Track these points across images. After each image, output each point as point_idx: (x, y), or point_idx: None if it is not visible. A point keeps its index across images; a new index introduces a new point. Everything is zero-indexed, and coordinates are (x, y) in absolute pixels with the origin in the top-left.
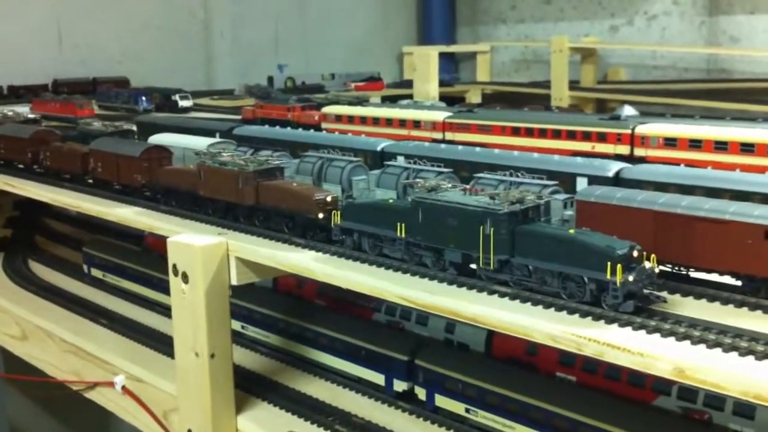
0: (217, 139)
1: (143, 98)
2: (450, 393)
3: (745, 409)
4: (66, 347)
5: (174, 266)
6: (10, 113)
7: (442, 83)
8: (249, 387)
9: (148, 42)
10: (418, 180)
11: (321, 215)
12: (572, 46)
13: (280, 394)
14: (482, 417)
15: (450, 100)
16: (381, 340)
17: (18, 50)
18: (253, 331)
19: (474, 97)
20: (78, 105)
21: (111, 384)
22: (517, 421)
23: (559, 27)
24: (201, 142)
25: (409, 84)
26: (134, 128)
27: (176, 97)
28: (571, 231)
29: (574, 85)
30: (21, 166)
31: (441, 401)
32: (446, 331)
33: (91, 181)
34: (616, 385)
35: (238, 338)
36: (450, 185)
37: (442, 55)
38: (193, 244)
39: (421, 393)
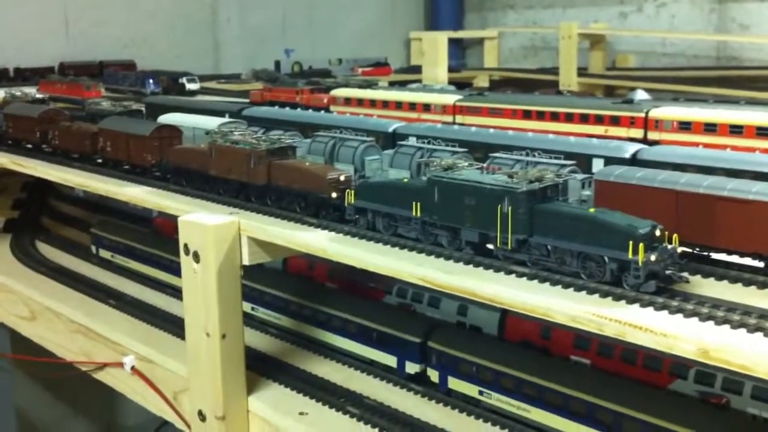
0: (228, 119)
1: (150, 81)
2: (463, 375)
3: (763, 393)
4: (75, 328)
5: (185, 245)
6: (18, 93)
7: (449, 69)
8: (260, 368)
9: (156, 27)
10: (434, 159)
11: (334, 194)
12: (581, 33)
13: (292, 375)
14: (496, 399)
15: (457, 86)
16: (393, 322)
17: (25, 34)
18: (263, 313)
19: (481, 82)
20: (85, 86)
21: (120, 365)
22: (532, 404)
23: (568, 13)
24: (211, 122)
25: (416, 69)
26: (143, 109)
27: (183, 80)
28: (591, 210)
29: (582, 71)
30: (29, 145)
31: (454, 383)
32: (458, 314)
33: (100, 160)
34: (631, 368)
35: (248, 320)
36: (466, 164)
37: (449, 41)
38: (205, 223)
39: (433, 375)
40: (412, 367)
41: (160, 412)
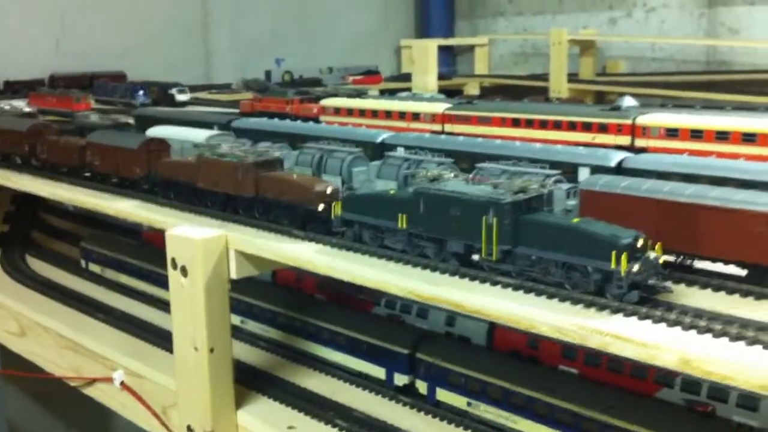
0: (216, 132)
1: (140, 92)
2: (451, 386)
3: (749, 401)
4: (64, 343)
5: (173, 260)
6: (8, 107)
7: (440, 76)
8: (249, 382)
9: (147, 37)
10: (419, 170)
11: (321, 206)
12: (571, 39)
13: (281, 388)
14: (484, 411)
15: (448, 93)
16: (381, 334)
17: (15, 45)
18: (252, 326)
19: (472, 89)
20: (75, 99)
21: (109, 380)
22: (520, 415)
23: (558, 19)
24: (200, 135)
25: (407, 77)
26: (132, 121)
27: (173, 91)
28: (575, 220)
29: (572, 77)
30: (18, 159)
31: (442, 395)
32: (447, 325)
33: (88, 174)
34: (618, 377)
35: (237, 333)
36: (452, 175)
37: (439, 48)
38: (193, 238)
39: (422, 387)
40: (400, 379)
41: (149, 427)
